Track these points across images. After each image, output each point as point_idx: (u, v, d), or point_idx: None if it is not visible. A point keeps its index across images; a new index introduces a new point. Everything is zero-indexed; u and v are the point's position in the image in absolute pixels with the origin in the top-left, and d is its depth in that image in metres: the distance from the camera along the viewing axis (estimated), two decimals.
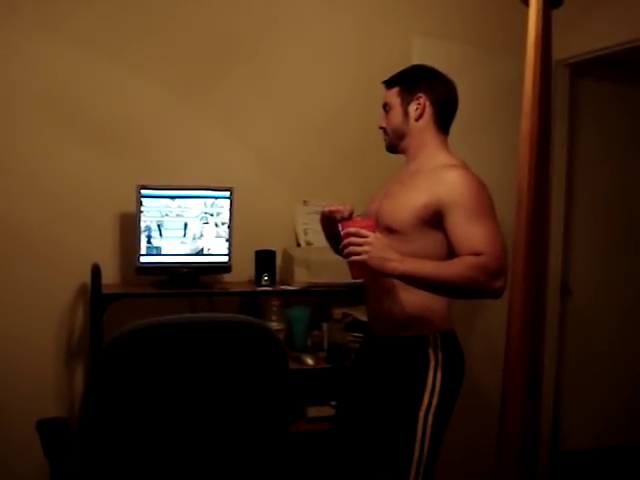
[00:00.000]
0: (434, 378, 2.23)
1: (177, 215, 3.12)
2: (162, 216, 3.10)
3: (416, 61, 3.06)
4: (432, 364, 2.24)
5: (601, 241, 4.57)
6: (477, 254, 2.08)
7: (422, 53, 3.36)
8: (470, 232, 2.12)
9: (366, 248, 2.09)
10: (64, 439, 2.12)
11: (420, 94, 2.36)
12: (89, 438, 1.72)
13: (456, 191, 2.16)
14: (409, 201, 2.24)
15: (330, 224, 2.38)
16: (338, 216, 2.27)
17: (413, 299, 2.25)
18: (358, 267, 2.14)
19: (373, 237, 2.11)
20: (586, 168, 4.46)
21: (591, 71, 4.30)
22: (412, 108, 2.37)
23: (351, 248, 2.12)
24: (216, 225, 3.19)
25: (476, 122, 3.62)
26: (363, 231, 2.12)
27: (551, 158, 4.10)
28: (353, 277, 2.19)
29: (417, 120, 2.37)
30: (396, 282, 2.23)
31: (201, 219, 3.16)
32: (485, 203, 2.17)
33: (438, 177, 2.21)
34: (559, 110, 4.12)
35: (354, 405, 2.46)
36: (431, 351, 2.25)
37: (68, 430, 2.17)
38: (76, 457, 1.76)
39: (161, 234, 3.10)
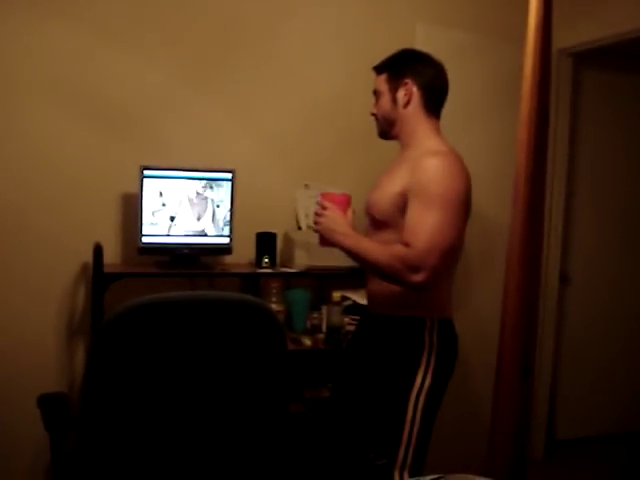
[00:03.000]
0: (427, 361, 2.26)
1: (179, 196, 3.14)
2: (164, 197, 3.12)
3: (420, 48, 3.07)
4: (427, 348, 2.27)
5: (601, 230, 4.58)
6: (406, 244, 2.13)
7: (426, 40, 3.38)
8: (413, 220, 2.16)
9: (320, 219, 2.29)
10: (64, 414, 2.14)
11: (407, 79, 2.35)
12: (89, 413, 1.74)
13: (424, 178, 2.18)
14: (388, 189, 2.28)
15: None
16: None
17: None
18: (320, 235, 2.35)
19: (329, 210, 2.28)
20: (588, 157, 4.47)
21: (594, 60, 4.30)
22: (400, 94, 2.37)
23: (314, 218, 2.33)
24: (217, 207, 3.21)
25: (478, 108, 3.63)
26: (326, 203, 2.31)
27: (553, 147, 4.13)
28: (319, 243, 2.38)
29: (405, 106, 2.37)
30: None
31: (203, 200, 3.18)
32: (448, 194, 2.16)
33: (417, 164, 2.22)
34: (562, 100, 4.13)
35: (348, 383, 2.49)
36: (427, 335, 2.28)
37: (68, 405, 2.20)
38: (76, 431, 1.78)
39: (163, 215, 3.12)
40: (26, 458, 3.14)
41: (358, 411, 2.41)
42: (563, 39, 3.79)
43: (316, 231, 2.34)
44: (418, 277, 2.10)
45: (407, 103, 2.36)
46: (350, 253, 2.26)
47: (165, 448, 1.78)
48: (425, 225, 2.12)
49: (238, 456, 1.88)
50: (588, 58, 4.21)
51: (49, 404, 2.19)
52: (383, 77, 2.42)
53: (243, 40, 3.46)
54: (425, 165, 2.19)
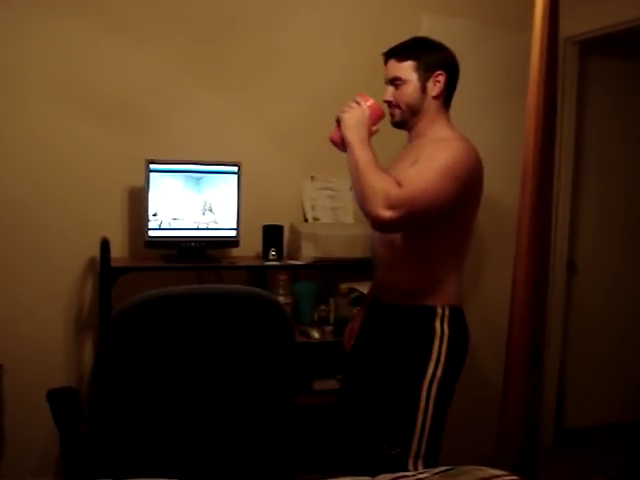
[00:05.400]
0: (439, 350, 2.26)
1: (185, 189, 3.13)
2: (170, 190, 3.11)
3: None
4: (438, 336, 2.26)
5: (608, 220, 4.56)
6: (399, 184, 2.10)
7: (430, 29, 3.35)
8: (414, 171, 2.16)
9: (347, 109, 2.26)
10: (74, 408, 2.14)
11: (440, 71, 2.32)
12: (98, 407, 1.74)
13: (436, 149, 2.19)
14: (401, 172, 2.24)
15: None
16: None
17: (424, 270, 2.29)
18: (337, 128, 2.29)
19: (363, 108, 2.25)
20: (595, 146, 4.44)
21: (601, 49, 4.27)
22: (430, 85, 2.32)
23: (344, 107, 2.27)
24: (224, 200, 3.20)
25: (484, 99, 3.61)
26: (361, 101, 2.27)
27: (559, 136, 4.11)
28: (330, 139, 2.33)
29: (436, 97, 2.33)
30: (406, 253, 2.28)
31: (209, 194, 3.18)
32: (452, 167, 2.15)
33: (432, 145, 2.23)
34: (568, 88, 4.10)
35: (359, 373, 2.49)
36: (438, 324, 2.27)
37: (77, 399, 2.20)
38: (86, 426, 1.78)
39: (169, 208, 3.12)
40: (36, 452, 3.15)
41: (371, 402, 2.40)
42: (569, 27, 3.76)
43: (337, 120, 2.28)
44: (387, 213, 2.07)
45: (438, 94, 2.33)
46: (352, 157, 2.20)
47: (174, 442, 1.78)
48: (424, 179, 2.11)
49: (247, 449, 1.88)
50: (594, 46, 4.17)
51: (58, 399, 2.19)
52: (409, 64, 2.33)
53: (247, 32, 3.45)
54: (440, 143, 2.21)
